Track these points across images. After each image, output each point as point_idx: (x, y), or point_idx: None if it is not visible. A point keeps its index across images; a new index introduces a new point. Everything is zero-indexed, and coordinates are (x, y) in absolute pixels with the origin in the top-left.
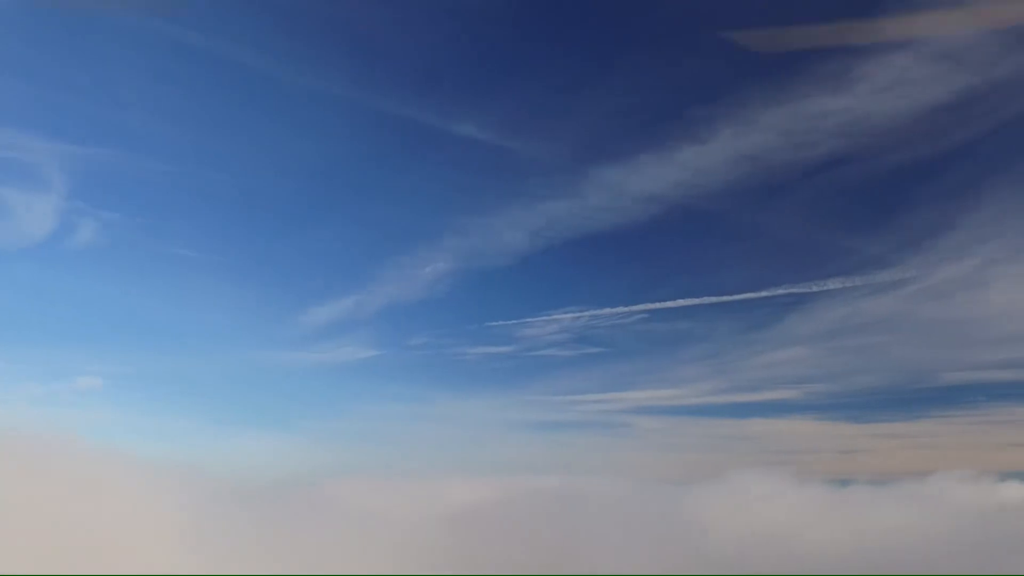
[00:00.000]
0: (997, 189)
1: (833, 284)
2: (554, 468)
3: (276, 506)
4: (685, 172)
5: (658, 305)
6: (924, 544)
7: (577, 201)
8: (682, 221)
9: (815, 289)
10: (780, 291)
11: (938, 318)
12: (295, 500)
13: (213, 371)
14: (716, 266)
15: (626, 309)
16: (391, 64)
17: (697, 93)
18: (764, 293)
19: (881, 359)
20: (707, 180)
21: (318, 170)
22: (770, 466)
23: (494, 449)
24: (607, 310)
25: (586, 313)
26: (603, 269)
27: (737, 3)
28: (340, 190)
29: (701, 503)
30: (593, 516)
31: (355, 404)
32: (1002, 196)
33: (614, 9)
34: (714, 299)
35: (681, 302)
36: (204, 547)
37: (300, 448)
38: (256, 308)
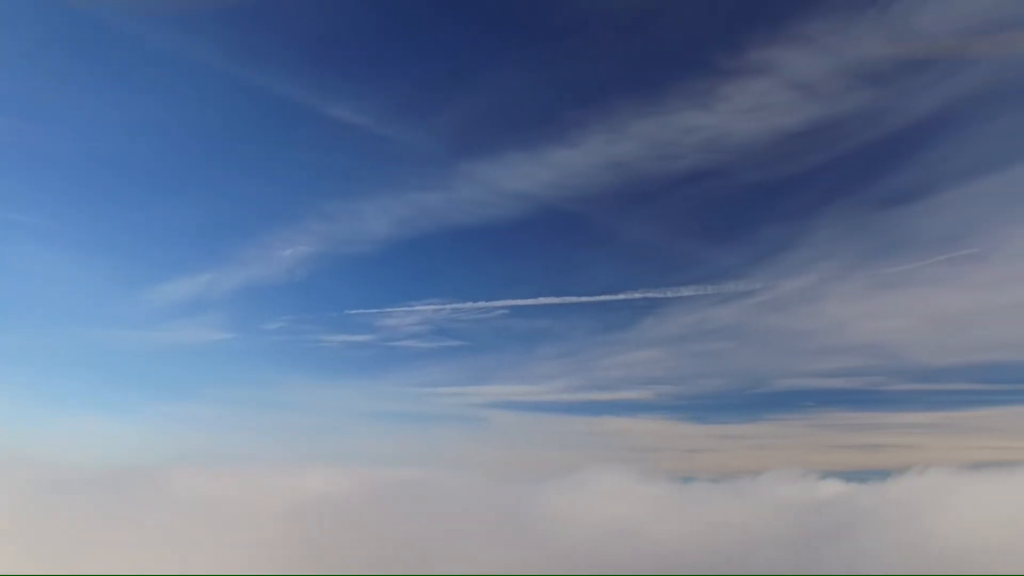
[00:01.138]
0: (835, 213)
1: (686, 291)
2: (409, 460)
3: (115, 495)
4: (555, 173)
5: (520, 302)
6: (754, 537)
7: (447, 193)
8: (548, 221)
9: (670, 295)
10: (637, 295)
11: (777, 328)
12: (137, 489)
13: (49, 349)
14: (578, 267)
15: (488, 304)
16: (268, 36)
17: (572, 97)
18: (622, 296)
19: (725, 364)
20: (576, 183)
21: (177, 137)
22: (620, 463)
23: (349, 439)
24: (469, 304)
25: (448, 306)
26: (467, 263)
27: (619, 13)
28: (201, 161)
29: (553, 498)
30: (445, 509)
31: (205, 388)
32: (839, 219)
33: (498, 9)
34: (574, 299)
35: (542, 300)
36: (24, 540)
37: (144, 433)
38: (99, 282)
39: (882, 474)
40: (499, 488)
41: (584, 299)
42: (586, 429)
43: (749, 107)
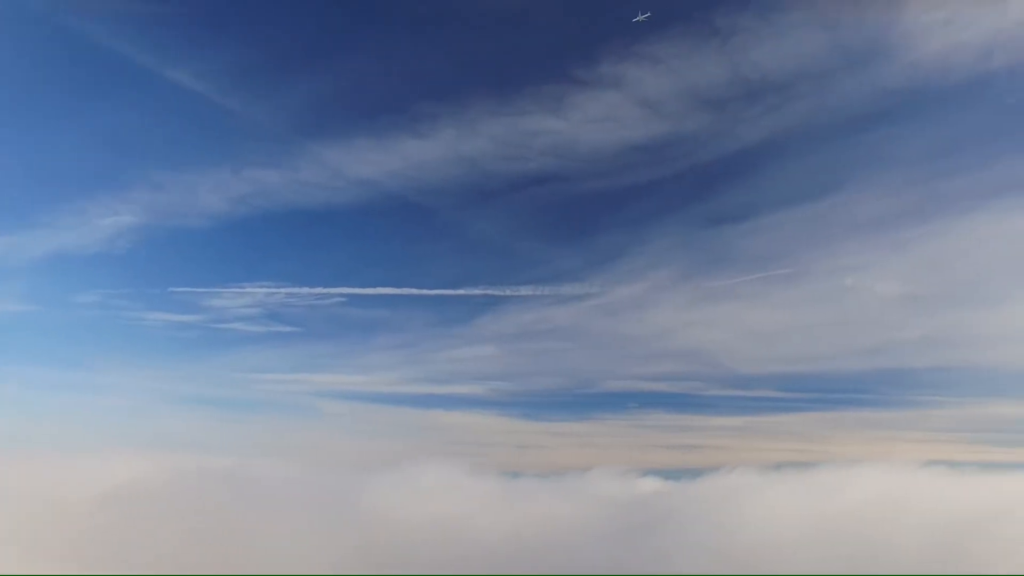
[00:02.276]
0: (668, 226)
1: (524, 290)
2: (231, 448)
3: None
4: (403, 163)
5: (357, 290)
6: (577, 532)
7: (289, 173)
8: (392, 210)
9: (508, 293)
10: (476, 291)
11: (608, 332)
12: None
13: None
14: (419, 259)
15: (324, 290)
16: None
17: (425, 89)
18: (462, 291)
19: (557, 364)
20: (423, 174)
21: None
22: (450, 457)
23: (166, 425)
24: (305, 289)
25: (282, 290)
26: (306, 247)
27: (480, 11)
28: (14, 112)
29: (380, 491)
30: (265, 500)
31: (2, 364)
32: (671, 232)
33: None
34: (414, 291)
35: (381, 290)
36: None
37: None
38: None
39: (696, 472)
40: (325, 479)
41: (423, 292)
42: (418, 422)
43: (597, 117)
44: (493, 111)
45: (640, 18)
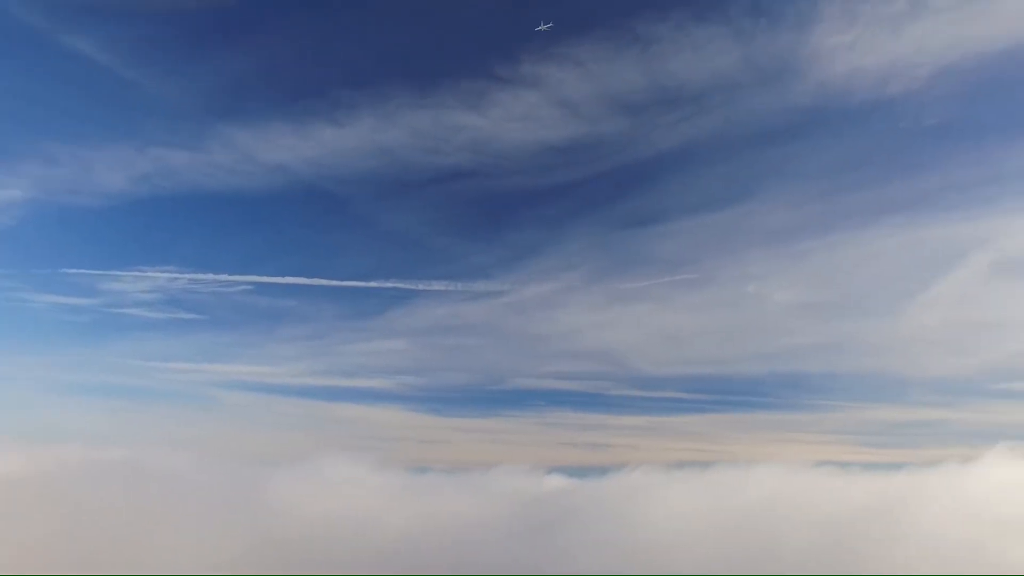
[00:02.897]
0: (582, 227)
1: (438, 285)
2: (125, 438)
3: None
4: (318, 151)
5: (266, 279)
6: (481, 527)
7: (199, 155)
8: (305, 198)
9: (421, 287)
10: (389, 284)
11: (519, 330)
12: None
13: None
14: (332, 250)
15: (231, 278)
16: None
17: (345, 77)
18: (374, 284)
19: (467, 360)
20: (339, 163)
21: None
22: (355, 451)
23: (56, 413)
24: (210, 276)
25: (185, 275)
26: (213, 232)
27: (405, 2)
28: None
29: (281, 485)
30: (160, 493)
31: None
32: (585, 233)
33: None
34: (324, 282)
35: (290, 279)
36: None
37: None
38: None
39: (601, 471)
40: (224, 472)
41: (334, 283)
42: (323, 415)
43: (517, 116)
44: (414, 103)
45: (543, 27)
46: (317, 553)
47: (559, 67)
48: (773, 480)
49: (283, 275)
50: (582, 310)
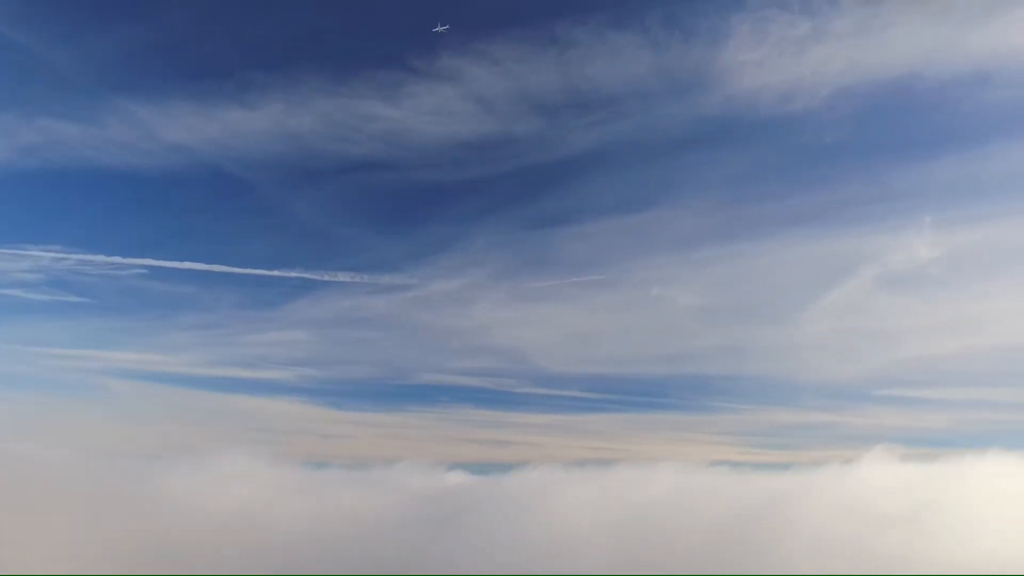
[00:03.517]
0: (492, 224)
1: (343, 276)
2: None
3: None
4: (223, 132)
5: (162, 263)
6: (379, 523)
7: (92, 129)
8: (208, 181)
9: (326, 278)
10: (292, 273)
11: (425, 325)
12: None
13: None
14: (234, 235)
15: (123, 260)
16: None
17: (255, 58)
18: (277, 272)
19: (371, 353)
20: (245, 146)
21: None
22: (251, 444)
23: None
24: (101, 257)
25: (73, 255)
26: (106, 210)
27: None
28: None
29: (172, 480)
30: (38, 487)
31: None
32: (494, 231)
33: None
34: (224, 268)
35: (188, 264)
36: None
37: None
38: None
39: (503, 468)
40: (110, 466)
41: (235, 270)
42: (219, 406)
43: (431, 109)
44: (327, 90)
45: (440, 29)
46: (208, 552)
47: (476, 63)
48: (670, 479)
49: (180, 260)
50: (489, 307)
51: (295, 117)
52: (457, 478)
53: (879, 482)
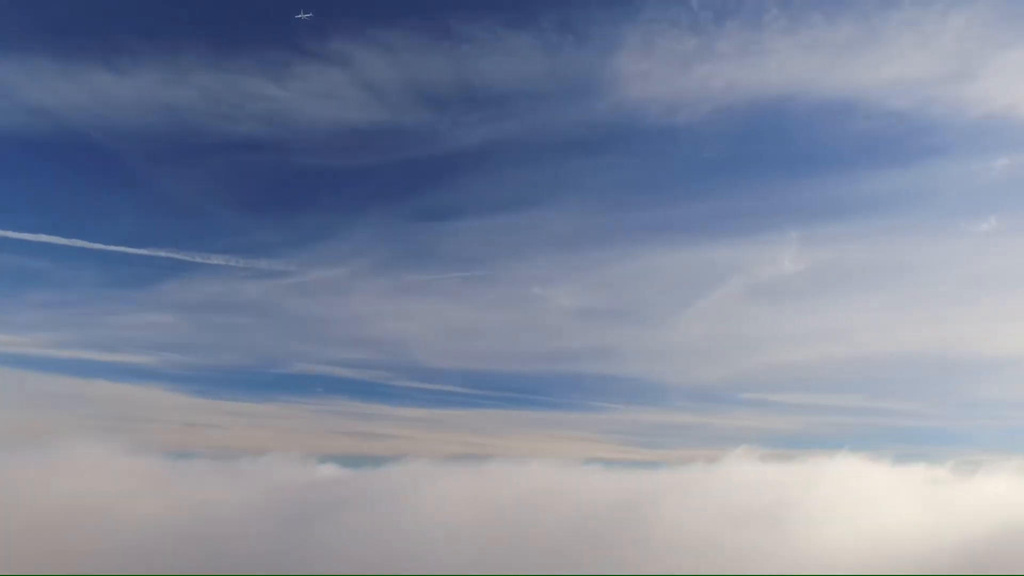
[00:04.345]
0: (375, 215)
1: (217, 259)
2: None
3: None
4: (92, 98)
5: (12, 234)
6: (243, 516)
7: None
8: (71, 148)
9: (198, 259)
10: (161, 253)
11: (300, 313)
12: None
13: None
14: (96, 208)
15: None
16: None
17: (129, 21)
18: (144, 251)
19: (243, 339)
20: (115, 115)
21: None
22: (108, 433)
23: None
24: None
25: None
26: None
27: None
28: None
29: (18, 470)
30: None
31: None
32: (378, 221)
33: None
34: (86, 244)
35: (43, 237)
36: None
37: None
38: None
39: (376, 461)
40: None
41: (97, 246)
42: (74, 391)
43: (319, 93)
44: (208, 63)
45: (302, 16)
46: (54, 547)
47: (368, 49)
48: (543, 476)
49: (34, 231)
50: (368, 298)
51: (172, 88)
52: (328, 471)
53: (740, 481)
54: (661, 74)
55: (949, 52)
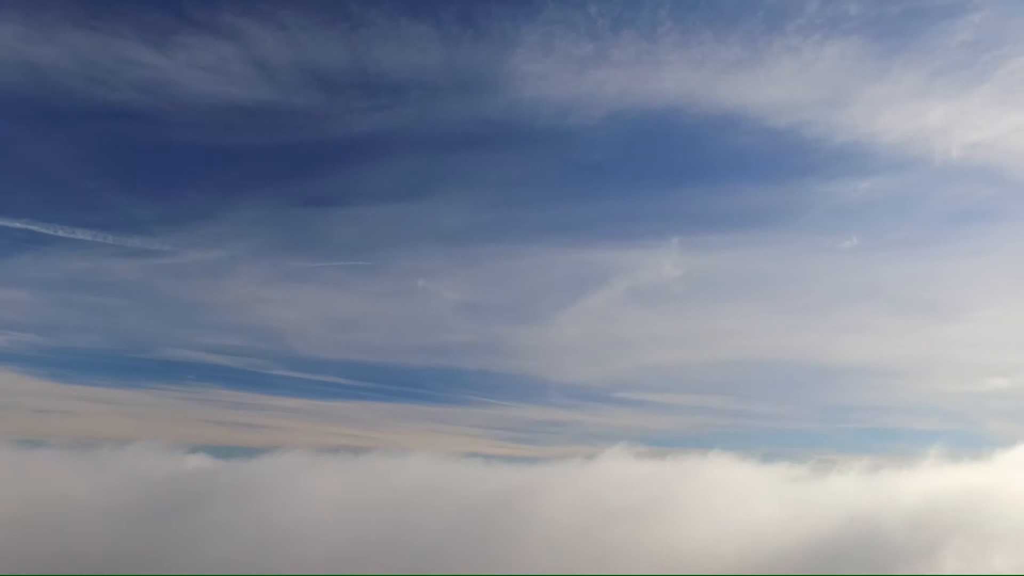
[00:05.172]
0: (259, 197)
1: (82, 234)
2: None
3: None
4: None
5: None
6: (100, 509)
7: None
8: None
9: (60, 233)
10: (17, 224)
11: (174, 296)
12: None
13: None
14: None
15: None
16: None
17: None
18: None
19: (108, 321)
20: None
21: None
22: None
23: None
24: None
25: None
26: None
27: None
28: None
29: None
30: None
31: None
32: (261, 204)
33: None
34: None
35: None
36: None
37: None
38: None
39: (250, 452)
40: None
41: None
42: None
43: (205, 66)
44: (80, 22)
45: None
46: None
47: (261, 25)
48: (422, 469)
49: None
50: (247, 283)
51: (36, 45)
52: (197, 462)
53: (616, 478)
54: (557, 76)
55: (823, 80)
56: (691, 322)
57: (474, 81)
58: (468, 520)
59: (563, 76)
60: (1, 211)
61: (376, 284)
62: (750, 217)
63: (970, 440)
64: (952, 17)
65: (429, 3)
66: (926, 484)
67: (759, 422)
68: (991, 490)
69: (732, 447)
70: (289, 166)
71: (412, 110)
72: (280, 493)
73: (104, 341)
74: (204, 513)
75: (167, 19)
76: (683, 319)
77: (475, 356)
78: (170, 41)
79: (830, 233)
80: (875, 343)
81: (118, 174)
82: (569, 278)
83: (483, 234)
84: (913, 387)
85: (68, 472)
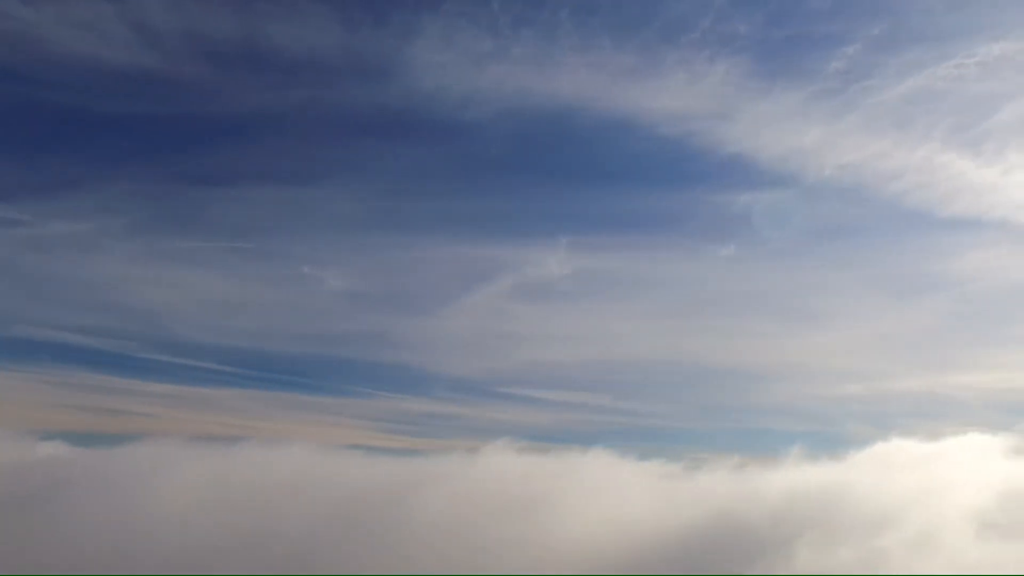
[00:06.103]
0: (133, 169)
1: None
2: None
3: None
4: None
5: None
6: None
7: None
8: None
9: None
10: None
11: (32, 270)
12: None
13: None
14: None
15: None
16: None
17: None
18: None
19: None
20: None
21: None
22: None
23: None
24: None
25: None
26: None
27: None
28: None
29: None
30: None
31: None
32: (135, 177)
33: None
34: None
35: None
36: None
37: None
38: None
39: (113, 439)
40: None
41: None
42: None
43: (79, 22)
44: None
45: None
46: None
47: None
48: (300, 460)
49: None
50: (118, 261)
51: None
52: (53, 449)
53: (498, 472)
54: (456, 68)
55: (712, 94)
56: (576, 321)
57: (372, 67)
58: (346, 513)
59: (462, 70)
60: None
61: (259, 268)
62: (637, 221)
63: (828, 441)
64: (829, 47)
65: None
66: (787, 481)
67: (638, 420)
68: (844, 487)
69: (612, 444)
70: (169, 139)
71: (305, 91)
72: (145, 484)
73: None
74: (56, 506)
75: None
76: (568, 317)
77: (359, 346)
78: None
79: (711, 240)
80: (748, 347)
81: None
82: (457, 272)
83: (372, 223)
84: (780, 390)
85: None
